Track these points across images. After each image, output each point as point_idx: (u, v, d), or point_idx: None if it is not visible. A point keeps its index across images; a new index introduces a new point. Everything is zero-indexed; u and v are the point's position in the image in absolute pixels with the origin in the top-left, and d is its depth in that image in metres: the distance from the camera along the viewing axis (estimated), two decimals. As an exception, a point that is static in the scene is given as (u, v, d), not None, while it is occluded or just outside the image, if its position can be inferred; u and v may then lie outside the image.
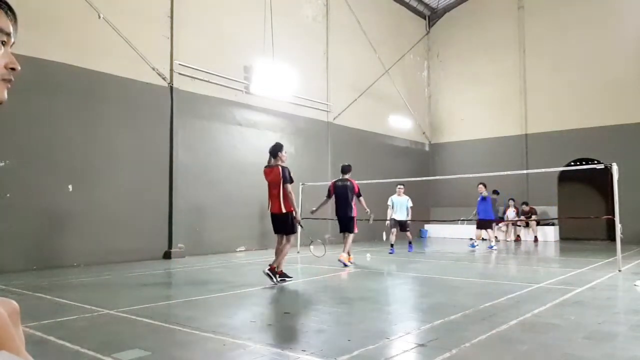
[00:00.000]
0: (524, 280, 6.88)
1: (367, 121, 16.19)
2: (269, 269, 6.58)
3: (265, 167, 6.93)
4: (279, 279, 6.56)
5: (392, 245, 11.74)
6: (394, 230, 11.88)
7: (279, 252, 6.76)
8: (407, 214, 12.05)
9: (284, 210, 6.69)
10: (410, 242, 12.19)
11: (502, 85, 17.46)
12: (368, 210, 9.20)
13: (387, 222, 12.11)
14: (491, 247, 12.22)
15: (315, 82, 14.30)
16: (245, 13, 12.20)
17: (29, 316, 4.21)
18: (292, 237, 6.91)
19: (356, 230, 9.11)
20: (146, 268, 8.46)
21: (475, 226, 13.01)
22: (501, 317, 4.34)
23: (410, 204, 12.14)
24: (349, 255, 8.90)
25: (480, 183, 12.63)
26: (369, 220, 9.45)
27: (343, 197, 9.07)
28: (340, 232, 9.29)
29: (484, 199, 12.65)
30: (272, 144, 7.00)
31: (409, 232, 12.20)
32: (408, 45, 18.60)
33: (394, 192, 12.29)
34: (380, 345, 3.48)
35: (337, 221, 9.36)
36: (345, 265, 8.53)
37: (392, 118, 17.46)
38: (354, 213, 8.99)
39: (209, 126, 11.25)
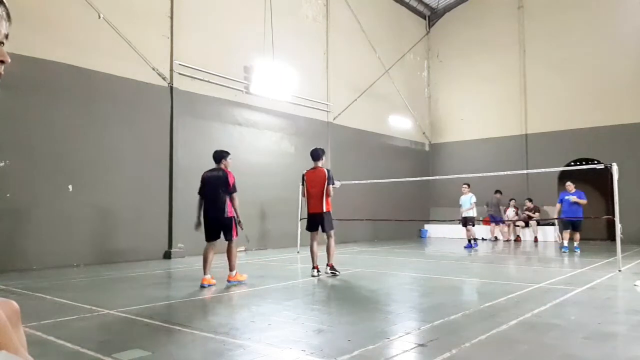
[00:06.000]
0: (524, 280, 6.88)
1: (367, 121, 16.18)
2: (329, 269, 7.33)
3: (308, 170, 7.65)
4: (329, 271, 7.31)
5: (469, 241, 12.62)
6: (468, 226, 12.81)
7: (327, 250, 7.42)
8: (471, 210, 12.77)
9: (324, 210, 7.36)
10: (469, 240, 12.72)
11: (502, 85, 17.46)
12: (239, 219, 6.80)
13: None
14: (577, 249, 11.20)
15: (315, 82, 14.30)
16: (245, 13, 12.20)
17: (29, 316, 4.21)
18: (333, 232, 7.50)
19: (235, 237, 6.66)
20: (146, 268, 8.46)
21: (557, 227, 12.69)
22: (501, 317, 4.33)
23: (473, 199, 12.82)
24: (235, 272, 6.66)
25: (569, 181, 11.59)
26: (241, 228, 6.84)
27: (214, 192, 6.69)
28: (211, 240, 6.61)
29: (570, 197, 11.36)
30: (314, 148, 7.76)
31: (470, 228, 12.84)
32: (408, 45, 18.60)
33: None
34: (380, 345, 3.48)
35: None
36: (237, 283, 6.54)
37: (392, 118, 17.46)
38: (230, 213, 6.69)
39: (209, 126, 11.25)
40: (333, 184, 7.46)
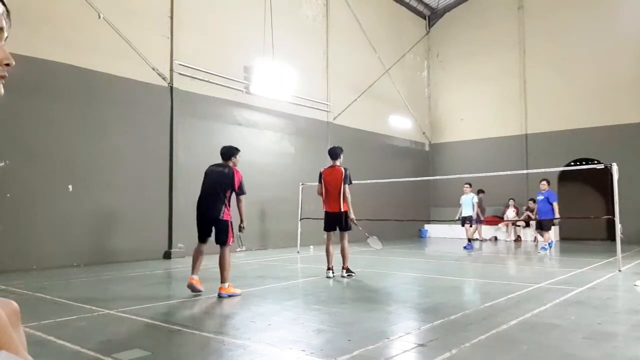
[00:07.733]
0: (524, 280, 6.88)
1: (367, 121, 16.18)
2: (344, 272, 7.25)
3: (326, 168, 7.57)
4: (346, 274, 7.24)
5: (469, 241, 12.59)
6: (466, 226, 12.82)
7: (342, 252, 7.34)
8: (473, 210, 12.82)
9: (342, 210, 7.31)
10: (469, 240, 12.72)
11: (502, 85, 17.46)
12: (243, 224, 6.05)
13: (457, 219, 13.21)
14: (545, 249, 11.28)
15: (315, 82, 14.30)
16: (245, 13, 12.20)
17: (29, 316, 4.20)
18: (347, 234, 7.45)
19: (232, 241, 5.97)
20: (146, 268, 8.46)
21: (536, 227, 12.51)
22: (501, 317, 4.33)
23: (475, 200, 12.88)
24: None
25: (544, 179, 11.61)
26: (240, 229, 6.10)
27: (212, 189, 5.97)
28: (204, 239, 6.04)
29: (540, 197, 11.50)
30: (332, 146, 7.72)
31: (471, 227, 12.89)
32: (408, 45, 18.60)
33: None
34: (380, 345, 3.48)
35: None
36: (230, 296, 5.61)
37: (392, 118, 17.46)
38: (226, 216, 5.93)
39: (209, 126, 11.24)
40: (350, 183, 7.31)
